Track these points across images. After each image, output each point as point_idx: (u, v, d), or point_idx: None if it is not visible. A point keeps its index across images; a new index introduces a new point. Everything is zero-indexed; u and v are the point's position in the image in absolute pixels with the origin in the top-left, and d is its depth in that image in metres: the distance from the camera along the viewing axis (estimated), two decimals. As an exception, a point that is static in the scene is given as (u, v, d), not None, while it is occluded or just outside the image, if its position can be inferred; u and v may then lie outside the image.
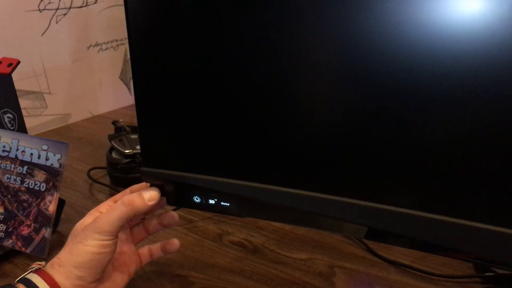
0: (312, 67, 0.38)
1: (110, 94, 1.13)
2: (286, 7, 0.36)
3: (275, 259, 0.59)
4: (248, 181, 0.43)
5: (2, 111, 0.59)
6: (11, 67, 0.58)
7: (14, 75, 0.58)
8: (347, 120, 0.38)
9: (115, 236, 0.43)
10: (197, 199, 0.45)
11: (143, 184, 0.48)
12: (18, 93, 0.92)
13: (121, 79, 1.14)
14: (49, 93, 1.00)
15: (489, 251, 0.37)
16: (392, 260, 0.58)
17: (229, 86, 0.40)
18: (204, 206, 0.46)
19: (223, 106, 0.41)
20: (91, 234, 0.42)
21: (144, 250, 0.52)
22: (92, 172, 0.80)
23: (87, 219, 0.45)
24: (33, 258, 0.58)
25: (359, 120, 0.38)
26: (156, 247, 0.52)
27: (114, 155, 0.78)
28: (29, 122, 0.97)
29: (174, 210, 0.60)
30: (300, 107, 0.39)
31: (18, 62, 0.58)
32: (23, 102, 0.95)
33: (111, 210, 0.43)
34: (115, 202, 0.47)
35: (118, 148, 0.76)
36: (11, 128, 0.61)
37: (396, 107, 0.36)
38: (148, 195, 0.44)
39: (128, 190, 0.48)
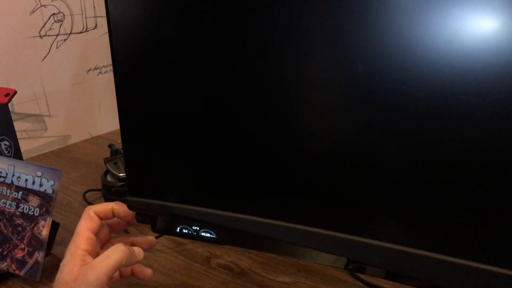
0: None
1: (109, 115, 1.16)
2: (287, 35, 0.37)
3: (260, 283, 0.61)
4: (228, 211, 0.45)
5: (-1, 138, 0.62)
6: (8, 97, 0.60)
7: (15, 99, 0.61)
8: (326, 156, 0.40)
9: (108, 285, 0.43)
10: (179, 228, 0.47)
11: (105, 204, 0.49)
12: (19, 116, 0.96)
13: (120, 101, 1.17)
14: (49, 115, 1.03)
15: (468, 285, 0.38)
16: (374, 284, 0.60)
17: (213, 117, 0.42)
18: (186, 235, 0.48)
19: (207, 139, 0.43)
20: None
21: None
22: (87, 194, 0.83)
23: (74, 264, 0.44)
24: (27, 281, 0.60)
25: (339, 156, 0.39)
26: (128, 269, 0.52)
27: (109, 178, 0.80)
28: (29, 144, 1.01)
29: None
30: (279, 140, 0.41)
31: (15, 92, 0.61)
32: (23, 125, 0.98)
33: (107, 258, 0.43)
34: (91, 230, 0.47)
35: (113, 171, 0.79)
36: (8, 154, 0.63)
37: (383, 144, 0.37)
38: (142, 253, 0.47)
39: (92, 212, 0.48)
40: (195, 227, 0.47)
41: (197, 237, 0.47)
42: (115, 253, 0.44)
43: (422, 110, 0.34)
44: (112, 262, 0.43)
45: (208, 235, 0.47)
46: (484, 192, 0.35)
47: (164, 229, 0.49)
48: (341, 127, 0.39)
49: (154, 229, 0.49)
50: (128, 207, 0.48)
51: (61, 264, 0.45)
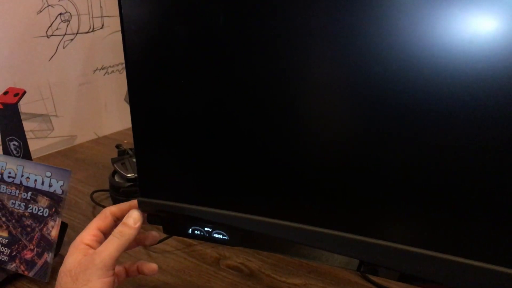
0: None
1: (115, 115, 1.16)
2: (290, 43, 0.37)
3: (270, 284, 0.60)
4: (241, 212, 0.44)
5: (8, 138, 0.62)
6: (17, 97, 0.60)
7: (22, 99, 0.61)
8: (338, 156, 0.40)
9: (113, 270, 0.44)
10: (192, 229, 0.47)
11: (123, 204, 0.49)
12: (25, 116, 0.96)
13: (126, 101, 1.17)
14: (56, 115, 1.03)
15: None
16: (385, 286, 0.59)
17: (225, 118, 0.42)
18: (198, 236, 0.47)
19: (220, 140, 0.43)
20: (95, 272, 0.42)
21: (119, 268, 0.52)
22: (95, 195, 0.82)
23: (77, 255, 0.45)
24: (35, 282, 0.60)
25: (352, 156, 0.39)
26: (133, 268, 0.52)
27: (116, 178, 0.80)
28: (36, 144, 1.00)
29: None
30: (291, 141, 0.40)
31: (24, 92, 0.61)
32: (30, 125, 0.98)
33: (108, 243, 0.44)
34: (100, 228, 0.48)
35: (121, 171, 0.78)
36: (17, 155, 0.63)
37: (393, 143, 0.37)
38: (132, 220, 0.46)
39: (108, 212, 0.49)
40: (207, 228, 0.47)
41: (209, 238, 0.47)
42: (113, 240, 0.44)
43: (432, 111, 0.34)
44: (115, 244, 0.44)
45: (221, 236, 0.46)
46: (501, 193, 0.35)
47: (176, 230, 0.49)
48: (353, 128, 0.38)
49: (165, 230, 0.49)
50: (140, 208, 0.47)
51: (65, 257, 0.46)
